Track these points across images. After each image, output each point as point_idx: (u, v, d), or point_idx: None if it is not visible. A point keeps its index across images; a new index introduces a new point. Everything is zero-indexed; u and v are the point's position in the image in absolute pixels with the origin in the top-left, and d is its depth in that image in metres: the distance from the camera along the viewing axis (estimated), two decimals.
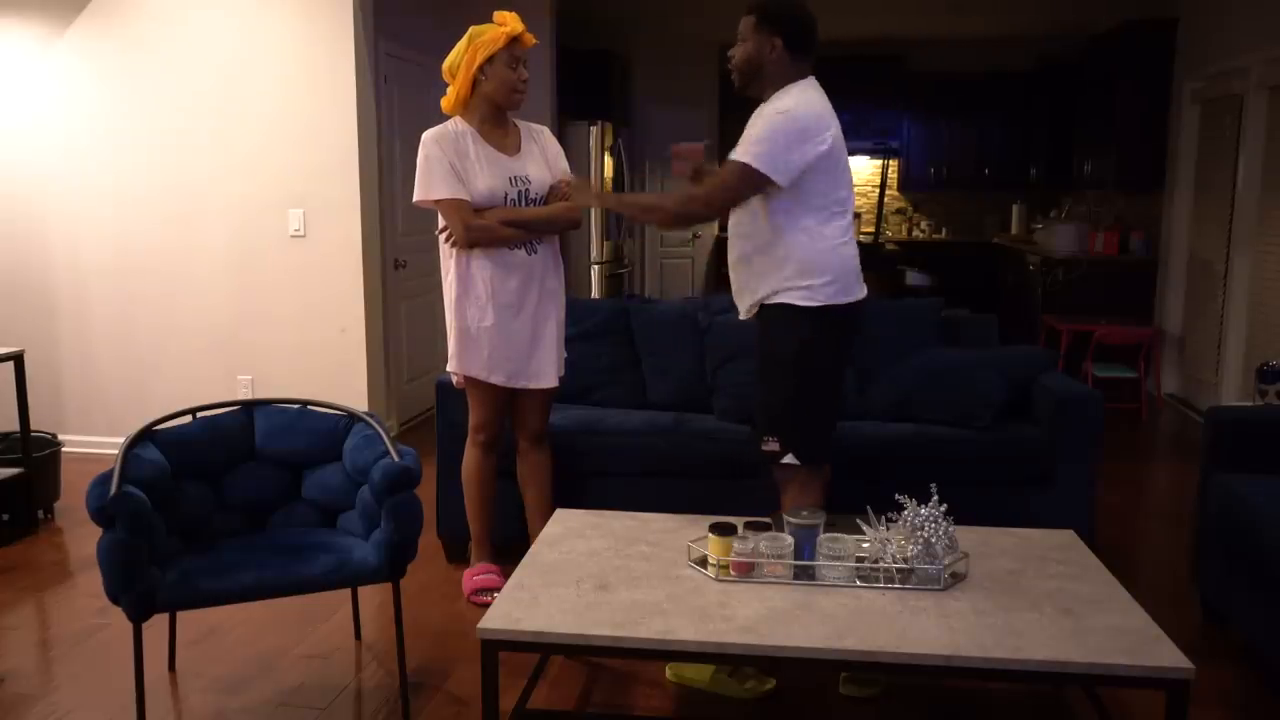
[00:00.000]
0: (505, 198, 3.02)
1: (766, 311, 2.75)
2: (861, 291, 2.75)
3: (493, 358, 3.08)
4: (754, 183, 2.62)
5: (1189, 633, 3.00)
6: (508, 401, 3.21)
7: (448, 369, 3.19)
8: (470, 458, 3.25)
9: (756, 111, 2.72)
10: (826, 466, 2.88)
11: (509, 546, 3.29)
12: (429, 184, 2.98)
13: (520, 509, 3.35)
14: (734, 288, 2.87)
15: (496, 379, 3.10)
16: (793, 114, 2.62)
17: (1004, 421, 3.51)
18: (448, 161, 2.97)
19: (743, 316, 2.87)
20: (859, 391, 3.75)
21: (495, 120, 3.08)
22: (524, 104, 3.09)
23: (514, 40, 2.98)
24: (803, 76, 2.71)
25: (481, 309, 3.04)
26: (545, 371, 3.16)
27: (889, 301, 4.21)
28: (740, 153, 2.62)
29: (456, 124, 3.06)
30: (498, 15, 3.01)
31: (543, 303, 3.12)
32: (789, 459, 2.73)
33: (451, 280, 3.07)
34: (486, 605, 3.17)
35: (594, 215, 7.14)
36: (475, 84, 3.01)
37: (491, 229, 2.98)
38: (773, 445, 2.74)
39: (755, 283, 2.75)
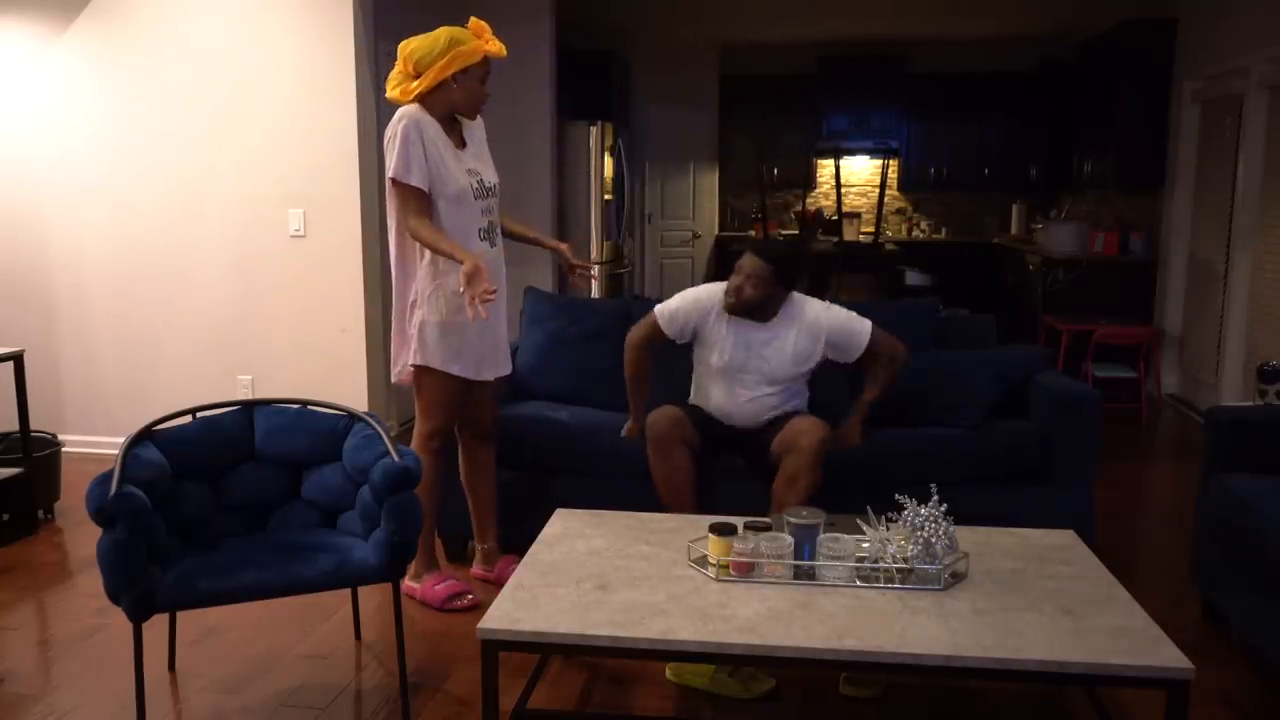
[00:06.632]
0: (470, 191, 3.05)
1: None
2: None
3: (464, 351, 3.09)
4: None
5: (1189, 633, 3.00)
6: (461, 400, 3.20)
7: (410, 363, 3.10)
8: (427, 467, 3.09)
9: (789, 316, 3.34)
10: None
11: (473, 548, 3.30)
12: (408, 167, 2.94)
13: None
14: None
15: (467, 372, 3.11)
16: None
17: (1003, 421, 3.51)
18: (424, 152, 2.97)
19: None
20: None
21: (447, 118, 3.08)
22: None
23: (488, 58, 3.02)
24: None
25: (450, 302, 3.03)
26: (502, 361, 3.26)
27: (888, 302, 4.21)
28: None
29: (423, 114, 3.02)
30: (474, 25, 3.03)
31: (499, 295, 3.13)
32: None
33: (423, 274, 3.04)
34: (466, 608, 3.18)
35: (593, 215, 7.13)
36: (440, 86, 3.01)
37: (430, 240, 2.92)
38: None
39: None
